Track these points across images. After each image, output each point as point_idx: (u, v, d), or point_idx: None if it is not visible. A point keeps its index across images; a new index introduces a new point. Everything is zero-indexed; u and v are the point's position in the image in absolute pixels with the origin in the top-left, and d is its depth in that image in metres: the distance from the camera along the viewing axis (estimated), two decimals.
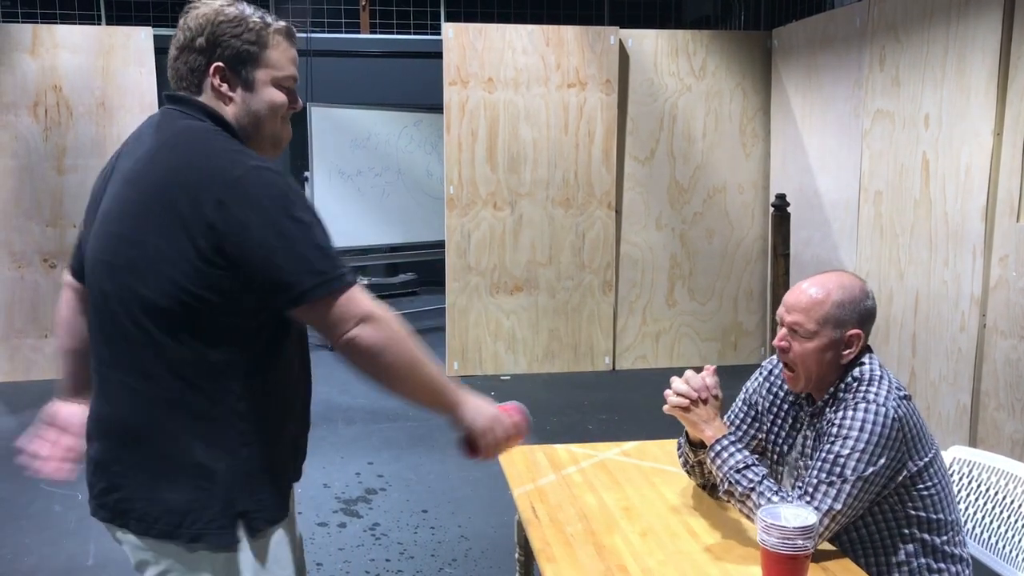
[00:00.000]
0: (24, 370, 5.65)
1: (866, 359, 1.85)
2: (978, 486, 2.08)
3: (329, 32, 7.55)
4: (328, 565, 3.25)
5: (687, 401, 1.86)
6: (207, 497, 1.44)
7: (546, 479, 2.12)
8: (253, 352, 1.47)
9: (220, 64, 1.49)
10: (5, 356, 5.62)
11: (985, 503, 2.05)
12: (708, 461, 1.86)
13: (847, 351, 1.82)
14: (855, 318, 1.81)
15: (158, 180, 1.43)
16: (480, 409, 1.58)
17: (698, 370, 1.91)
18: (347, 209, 6.87)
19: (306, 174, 6.61)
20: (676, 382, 1.88)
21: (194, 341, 1.42)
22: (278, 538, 1.53)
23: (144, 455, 1.47)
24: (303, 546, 1.79)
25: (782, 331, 1.86)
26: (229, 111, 1.52)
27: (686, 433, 1.98)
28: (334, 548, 3.39)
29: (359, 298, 1.44)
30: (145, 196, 1.44)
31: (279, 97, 1.54)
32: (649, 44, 5.86)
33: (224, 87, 1.50)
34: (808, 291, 1.83)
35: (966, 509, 2.09)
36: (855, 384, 1.81)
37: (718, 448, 1.83)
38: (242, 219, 1.38)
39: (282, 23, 1.55)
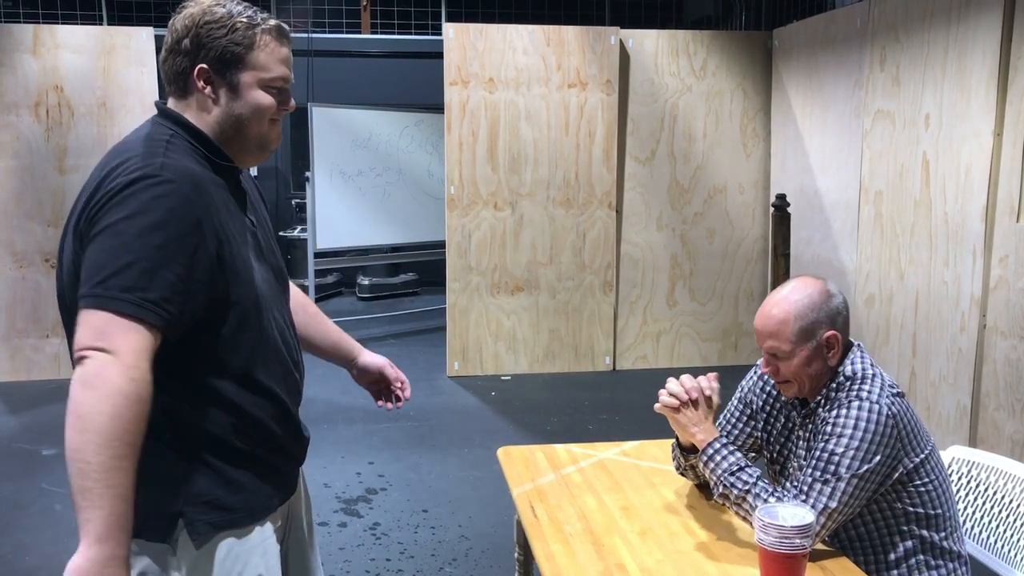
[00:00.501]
0: (25, 370, 5.66)
1: (857, 358, 1.85)
2: (977, 486, 2.09)
3: (330, 32, 7.57)
4: (329, 565, 3.25)
5: (677, 402, 1.87)
6: (146, 496, 1.39)
7: (545, 479, 2.13)
8: (183, 351, 1.41)
9: (204, 66, 1.46)
10: (6, 356, 5.63)
11: (984, 503, 2.05)
12: (700, 465, 1.86)
13: (830, 353, 1.83)
14: (825, 321, 1.82)
15: (87, 181, 1.46)
16: (98, 572, 1.29)
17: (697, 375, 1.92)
18: (348, 209, 6.88)
19: (307, 174, 6.62)
20: (671, 382, 1.89)
21: None
22: (233, 549, 1.48)
23: None
24: (308, 565, 1.76)
25: (764, 356, 1.87)
26: (212, 116, 1.49)
27: (676, 438, 1.99)
28: (334, 548, 3.40)
29: (122, 331, 1.30)
30: (76, 197, 1.47)
31: (265, 100, 1.49)
32: (650, 44, 5.86)
33: (208, 90, 1.47)
34: (770, 314, 1.83)
35: (965, 509, 2.10)
36: (847, 383, 1.81)
37: (710, 452, 1.84)
38: (105, 212, 1.35)
39: (272, 22, 1.50)
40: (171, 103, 1.52)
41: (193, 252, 1.37)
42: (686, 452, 1.97)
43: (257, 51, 1.47)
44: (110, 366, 1.29)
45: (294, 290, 1.83)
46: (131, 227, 1.33)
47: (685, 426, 1.88)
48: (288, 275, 1.75)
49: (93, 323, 1.32)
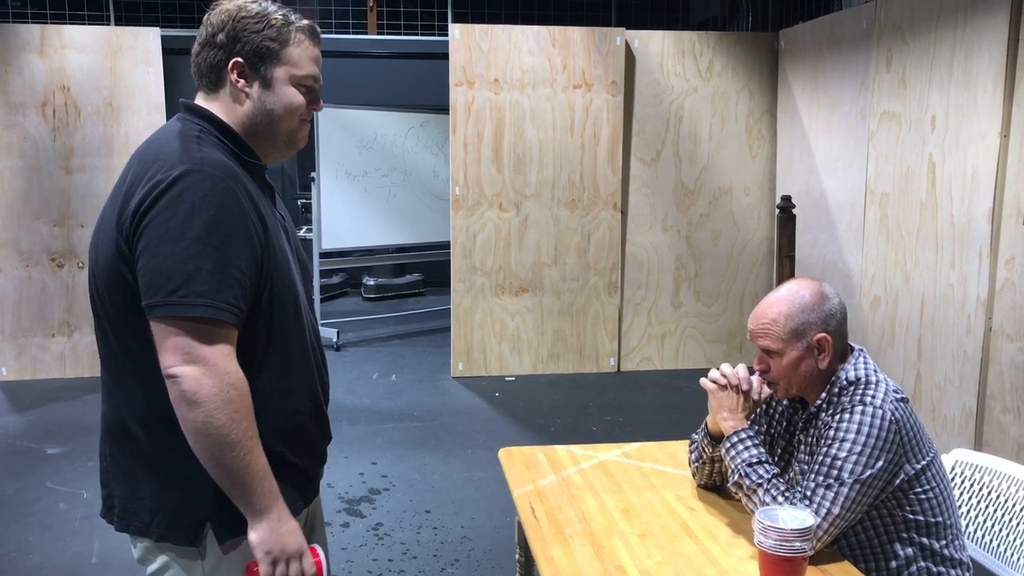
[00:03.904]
0: (31, 369, 5.68)
1: (860, 362, 1.85)
2: (980, 489, 2.07)
3: (337, 33, 7.57)
4: (331, 565, 3.25)
5: (724, 381, 1.89)
6: (173, 498, 1.43)
7: (546, 480, 2.12)
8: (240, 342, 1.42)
9: (239, 60, 1.48)
10: (12, 354, 5.65)
11: (987, 507, 2.04)
12: (723, 451, 1.87)
13: (821, 355, 1.83)
14: (816, 323, 1.83)
15: (120, 177, 1.47)
16: (276, 535, 1.40)
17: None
18: (353, 210, 6.88)
19: (312, 175, 6.63)
20: (726, 365, 1.92)
21: (145, 339, 1.39)
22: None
23: (122, 452, 1.49)
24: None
25: (758, 354, 1.89)
26: (243, 109, 1.50)
27: (705, 425, 1.98)
28: (337, 548, 3.40)
29: (206, 339, 1.33)
30: (111, 194, 1.48)
31: (296, 97, 1.51)
32: (655, 45, 5.86)
33: (241, 83, 1.49)
34: (764, 313, 1.86)
35: (968, 512, 2.09)
36: (851, 387, 1.81)
37: (735, 439, 1.85)
38: (153, 213, 1.36)
39: (305, 21, 1.53)
40: (200, 97, 1.53)
41: (247, 245, 1.40)
42: (713, 441, 1.97)
43: (291, 47, 1.50)
44: (204, 380, 1.33)
45: None
46: (188, 230, 1.34)
47: (720, 408, 1.89)
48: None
49: (174, 338, 1.34)
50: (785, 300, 1.85)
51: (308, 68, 1.52)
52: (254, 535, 1.39)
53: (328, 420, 1.65)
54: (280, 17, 1.50)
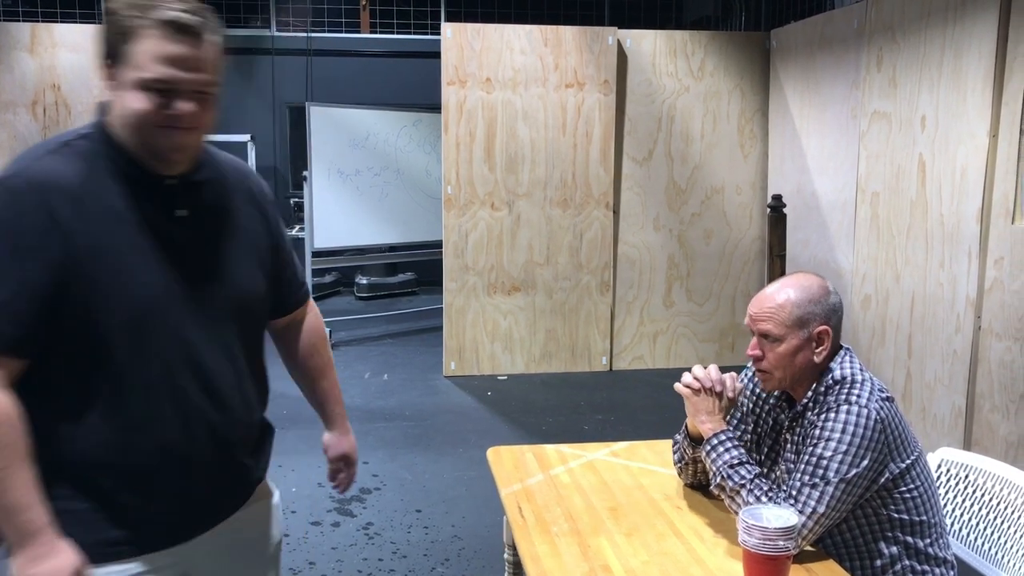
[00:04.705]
0: None
1: (847, 361, 1.85)
2: (965, 488, 2.08)
3: (329, 32, 7.57)
4: (321, 564, 3.26)
5: (698, 385, 1.89)
6: None
7: (534, 479, 2.13)
8: (50, 369, 1.34)
9: (105, 61, 1.33)
10: None
11: (972, 505, 2.05)
12: (703, 454, 1.87)
13: (819, 348, 1.83)
14: (820, 315, 1.83)
15: None
16: (30, 572, 1.28)
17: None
18: (345, 209, 6.87)
19: (305, 173, 6.62)
20: (698, 367, 1.92)
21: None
22: None
23: None
24: None
25: (754, 340, 1.88)
26: (117, 114, 1.36)
27: (685, 427, 1.99)
28: (327, 547, 3.40)
29: None
30: None
31: (135, 103, 1.29)
32: (648, 44, 5.86)
33: (109, 85, 1.34)
34: (769, 298, 1.86)
35: (953, 511, 2.09)
36: (837, 386, 1.81)
37: (715, 442, 1.85)
38: None
39: (169, 13, 1.27)
40: None
41: (37, 270, 1.28)
42: (694, 443, 1.97)
43: (135, 44, 1.28)
44: None
45: (309, 333, 1.76)
46: None
47: (697, 412, 1.90)
48: (265, 304, 1.59)
49: None
50: (794, 288, 1.85)
51: (153, 70, 1.27)
52: (12, 567, 1.30)
53: (199, 462, 1.45)
54: (127, 10, 1.28)
